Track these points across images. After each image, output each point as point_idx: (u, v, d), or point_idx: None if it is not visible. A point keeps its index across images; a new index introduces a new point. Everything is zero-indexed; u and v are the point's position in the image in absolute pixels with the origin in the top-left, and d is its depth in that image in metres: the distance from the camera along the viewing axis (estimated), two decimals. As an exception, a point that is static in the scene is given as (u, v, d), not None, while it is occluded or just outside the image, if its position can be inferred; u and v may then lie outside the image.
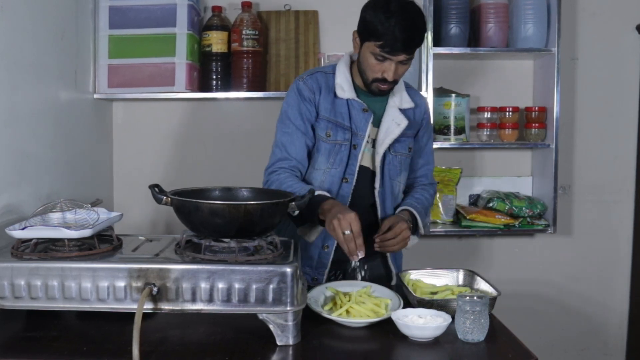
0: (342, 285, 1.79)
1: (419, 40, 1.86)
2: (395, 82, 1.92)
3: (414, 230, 2.00)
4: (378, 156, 1.97)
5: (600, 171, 3.00)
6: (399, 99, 2.01)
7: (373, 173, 1.99)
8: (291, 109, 1.96)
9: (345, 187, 1.96)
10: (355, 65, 1.99)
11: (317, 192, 1.83)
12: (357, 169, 1.96)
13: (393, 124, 1.97)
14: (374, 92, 1.94)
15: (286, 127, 1.96)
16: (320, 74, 2.00)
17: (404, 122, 1.98)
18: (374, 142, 1.98)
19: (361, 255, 1.73)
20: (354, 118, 1.95)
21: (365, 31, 1.86)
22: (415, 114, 2.05)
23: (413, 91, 2.10)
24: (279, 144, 1.96)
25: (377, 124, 1.99)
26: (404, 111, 2.01)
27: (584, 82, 2.96)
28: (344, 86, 1.96)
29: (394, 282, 2.06)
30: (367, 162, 1.99)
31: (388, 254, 2.05)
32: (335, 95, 1.96)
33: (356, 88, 1.99)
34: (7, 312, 1.49)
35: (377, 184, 1.98)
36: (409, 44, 1.83)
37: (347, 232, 1.71)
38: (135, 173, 2.86)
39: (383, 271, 2.08)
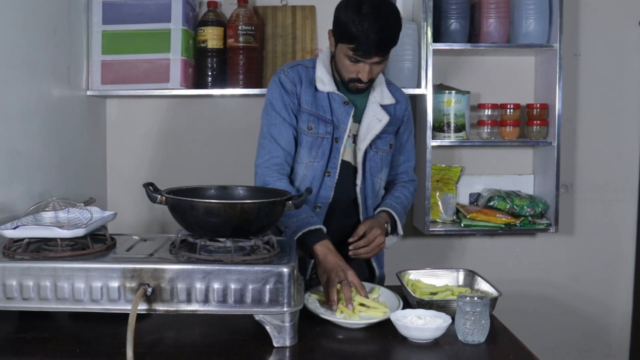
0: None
1: (393, 41, 1.86)
2: (372, 80, 1.93)
3: (393, 229, 2.04)
4: (360, 152, 1.99)
5: (603, 169, 2.98)
6: (380, 95, 2.02)
7: (355, 169, 2.01)
8: (276, 101, 1.97)
9: (328, 180, 1.97)
10: None
11: (310, 226, 1.83)
12: (339, 162, 1.97)
13: (374, 119, 1.98)
14: (351, 90, 1.96)
15: (273, 118, 1.97)
16: (301, 67, 2.02)
17: (385, 118, 1.99)
18: (355, 138, 2.00)
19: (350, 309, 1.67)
20: (335, 111, 1.96)
21: (338, 33, 1.88)
22: (396, 110, 2.07)
23: (394, 87, 2.12)
24: (267, 136, 1.97)
25: (358, 119, 2.00)
26: (385, 107, 2.02)
27: (586, 79, 2.94)
28: (324, 79, 1.97)
29: (377, 279, 2.10)
30: (348, 157, 2.00)
31: None
32: (316, 88, 1.97)
33: (337, 82, 2.00)
34: (-2, 313, 1.48)
35: (358, 181, 2.00)
36: (382, 47, 1.83)
37: (345, 281, 1.69)
38: (129, 171, 2.84)
39: (366, 270, 2.10)
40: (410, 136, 2.16)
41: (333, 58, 2.01)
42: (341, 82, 1.97)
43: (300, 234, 1.81)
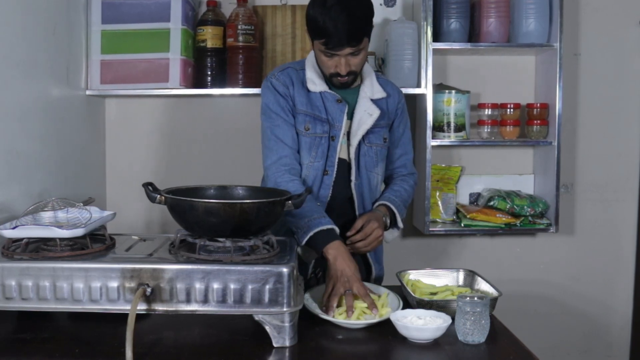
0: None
1: (362, 31, 1.85)
2: (353, 73, 1.92)
3: (393, 223, 2.02)
4: (352, 148, 1.98)
5: (604, 169, 2.98)
6: (370, 89, 2.02)
7: (349, 165, 2.00)
8: (273, 104, 1.97)
9: (327, 179, 1.97)
10: None
11: (322, 226, 1.81)
12: (336, 160, 1.97)
13: (365, 114, 1.98)
14: (336, 85, 1.96)
15: (274, 120, 1.96)
16: (291, 69, 2.02)
17: (376, 112, 1.98)
18: (348, 134, 1.99)
19: (375, 312, 1.66)
20: (330, 110, 1.96)
21: (310, 30, 1.88)
22: (388, 104, 2.06)
23: (384, 80, 2.11)
24: (272, 138, 1.96)
25: (350, 115, 2.00)
26: (375, 101, 2.01)
27: (586, 78, 2.93)
28: (314, 80, 1.97)
29: (373, 277, 2.09)
30: (343, 154, 2.00)
31: None
32: (308, 89, 1.97)
33: (328, 81, 1.99)
34: (-3, 314, 1.47)
35: (353, 177, 1.99)
36: (351, 38, 1.82)
37: (348, 291, 1.69)
38: (129, 171, 2.83)
39: (362, 267, 2.07)
40: (406, 129, 2.15)
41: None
42: (326, 79, 1.97)
43: (311, 233, 1.79)
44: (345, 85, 1.96)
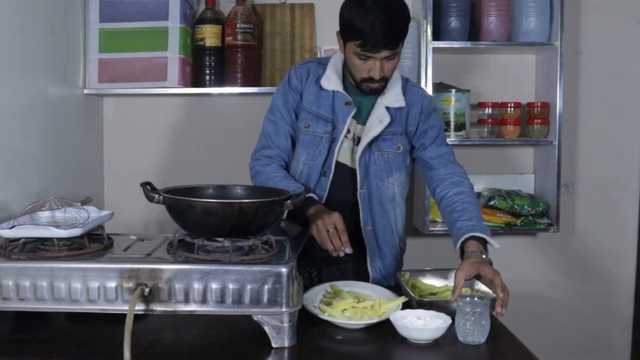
0: (346, 286, 1.80)
1: (401, 33, 1.80)
2: (385, 79, 1.86)
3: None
4: (356, 155, 1.94)
5: (605, 168, 2.97)
6: (389, 97, 1.94)
7: (354, 171, 1.95)
8: (279, 98, 1.99)
9: (324, 180, 1.95)
10: None
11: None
12: (334, 163, 1.94)
13: (376, 121, 1.93)
14: (366, 91, 1.90)
15: (273, 115, 2.00)
16: (313, 63, 2.00)
17: (386, 120, 1.92)
18: (359, 140, 1.95)
19: (348, 250, 1.75)
20: (337, 111, 1.94)
21: (344, 31, 1.83)
22: (408, 112, 1.97)
23: (411, 88, 2.01)
24: (264, 132, 2.00)
25: (364, 121, 1.95)
26: (390, 109, 1.94)
27: (587, 77, 2.93)
28: (331, 78, 1.93)
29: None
30: (345, 159, 1.95)
31: (368, 256, 1.99)
32: (321, 87, 1.94)
33: (348, 84, 1.95)
34: (-6, 314, 1.47)
35: (358, 185, 1.94)
36: (389, 40, 1.77)
37: (331, 229, 1.73)
38: (127, 170, 2.83)
39: (361, 276, 2.02)
40: (440, 133, 2.01)
41: (345, 62, 1.94)
42: (355, 85, 1.91)
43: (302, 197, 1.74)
44: (375, 92, 1.89)
